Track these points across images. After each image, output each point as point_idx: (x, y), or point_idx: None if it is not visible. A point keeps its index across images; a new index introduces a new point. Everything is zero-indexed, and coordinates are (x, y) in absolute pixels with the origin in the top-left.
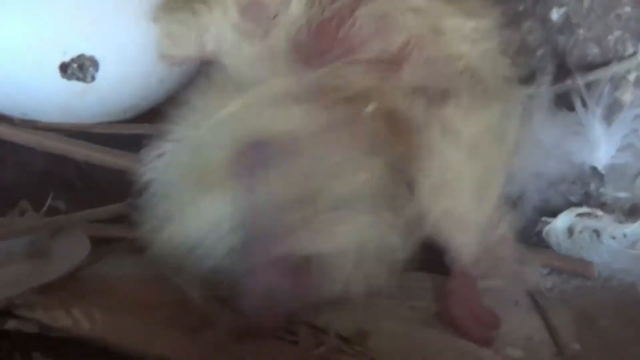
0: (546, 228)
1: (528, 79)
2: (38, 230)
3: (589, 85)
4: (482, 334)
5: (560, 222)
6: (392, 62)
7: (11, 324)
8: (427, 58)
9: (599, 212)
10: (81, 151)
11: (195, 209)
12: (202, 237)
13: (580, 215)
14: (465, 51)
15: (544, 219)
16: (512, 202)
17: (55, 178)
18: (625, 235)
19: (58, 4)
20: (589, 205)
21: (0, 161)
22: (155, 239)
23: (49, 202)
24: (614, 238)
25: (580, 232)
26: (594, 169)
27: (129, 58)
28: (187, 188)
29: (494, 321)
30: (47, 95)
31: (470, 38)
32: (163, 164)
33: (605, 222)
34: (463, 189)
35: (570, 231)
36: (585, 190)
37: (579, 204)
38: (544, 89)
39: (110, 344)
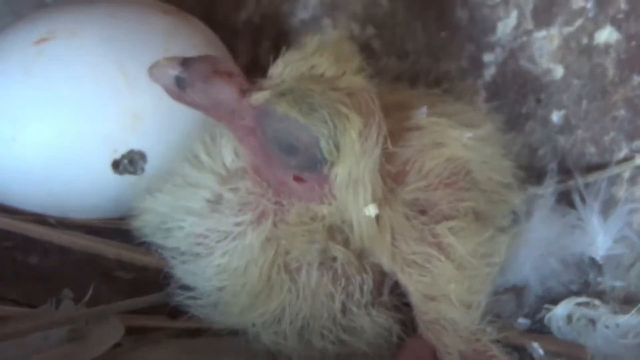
0: (548, 315)
1: (531, 177)
2: (78, 320)
3: (587, 183)
4: None
5: (561, 310)
6: (395, 178)
7: None
8: (426, 171)
9: (596, 302)
10: (112, 250)
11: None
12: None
13: (578, 304)
14: (463, 155)
15: (546, 306)
16: (517, 291)
17: (97, 266)
18: (617, 326)
19: (104, 105)
20: (588, 293)
21: (45, 250)
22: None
23: (90, 291)
24: (607, 327)
25: (578, 319)
26: (592, 259)
27: (172, 145)
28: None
29: None
30: (101, 192)
31: (468, 145)
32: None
33: (601, 312)
34: (453, 297)
35: (569, 318)
36: (585, 279)
37: (578, 293)
38: (550, 189)
39: None
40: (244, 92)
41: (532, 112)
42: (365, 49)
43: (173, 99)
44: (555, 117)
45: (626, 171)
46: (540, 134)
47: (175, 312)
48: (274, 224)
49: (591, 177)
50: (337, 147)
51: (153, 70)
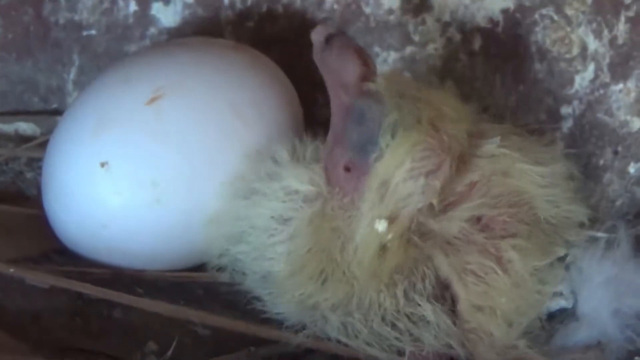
0: None
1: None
2: None
3: None
4: None
5: None
6: (458, 197)
7: None
8: (492, 195)
9: None
10: (197, 314)
11: None
12: None
13: None
14: (529, 190)
15: (636, 358)
16: (602, 349)
17: (180, 320)
18: None
19: (229, 152)
20: None
21: (130, 306)
22: None
23: (174, 345)
24: None
25: None
26: None
27: None
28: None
29: None
30: None
31: (536, 182)
32: None
33: None
34: (499, 312)
35: None
36: None
37: None
38: (623, 233)
39: None
40: (364, 78)
41: (610, 164)
42: None
43: (313, 55)
44: (633, 169)
45: None
46: (617, 186)
47: None
48: (332, 209)
49: None
50: (394, 136)
51: (317, 29)
